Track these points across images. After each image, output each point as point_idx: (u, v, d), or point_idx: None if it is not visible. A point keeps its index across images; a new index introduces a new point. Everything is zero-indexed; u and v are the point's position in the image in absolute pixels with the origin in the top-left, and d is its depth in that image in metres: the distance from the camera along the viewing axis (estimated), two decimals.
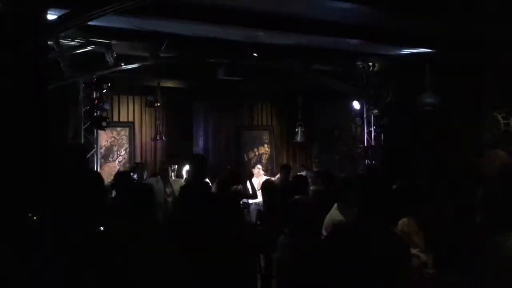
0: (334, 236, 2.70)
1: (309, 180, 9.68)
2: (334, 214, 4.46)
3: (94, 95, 8.60)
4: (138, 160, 10.67)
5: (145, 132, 11.08)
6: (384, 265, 2.43)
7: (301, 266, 3.16)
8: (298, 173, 9.39)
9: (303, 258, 3.18)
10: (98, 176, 3.50)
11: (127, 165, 10.59)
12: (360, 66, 9.08)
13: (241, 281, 5.06)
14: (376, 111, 10.07)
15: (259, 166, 10.57)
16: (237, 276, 3.79)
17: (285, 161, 11.73)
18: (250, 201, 7.88)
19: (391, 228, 3.24)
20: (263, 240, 5.21)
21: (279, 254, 3.73)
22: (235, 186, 6.38)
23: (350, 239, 2.57)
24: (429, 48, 7.69)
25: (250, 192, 7.04)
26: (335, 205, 4.54)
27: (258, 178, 9.86)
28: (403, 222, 4.03)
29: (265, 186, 6.60)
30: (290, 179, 7.69)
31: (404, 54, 8.33)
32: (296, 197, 3.86)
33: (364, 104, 10.38)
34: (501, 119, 7.59)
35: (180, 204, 5.37)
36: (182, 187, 5.61)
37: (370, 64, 9.08)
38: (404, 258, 2.51)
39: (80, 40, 7.04)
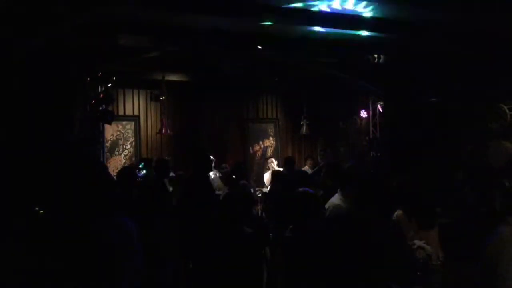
0: (333, 225, 2.74)
1: (311, 170, 9.71)
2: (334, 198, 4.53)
3: (100, 89, 8.62)
4: (143, 154, 10.72)
5: (151, 125, 11.11)
6: (380, 250, 2.47)
7: (307, 256, 3.17)
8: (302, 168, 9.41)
9: (308, 249, 3.19)
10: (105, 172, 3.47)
11: (133, 158, 10.64)
12: (366, 58, 9.03)
13: (247, 274, 5.07)
14: (381, 103, 10.04)
15: (273, 160, 10.42)
16: (243, 270, 3.80)
17: (290, 154, 11.73)
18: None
19: (387, 217, 3.26)
20: (268, 234, 5.23)
21: (285, 247, 3.73)
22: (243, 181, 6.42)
23: (348, 227, 2.61)
24: (438, 39, 7.61)
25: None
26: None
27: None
28: (395, 214, 4.04)
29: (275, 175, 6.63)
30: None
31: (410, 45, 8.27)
32: (300, 189, 3.82)
33: (370, 96, 10.36)
34: (507, 111, 7.56)
35: (184, 200, 5.41)
36: (184, 183, 5.65)
37: (376, 56, 9.03)
38: (398, 243, 2.55)
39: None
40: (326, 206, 4.47)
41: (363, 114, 10.65)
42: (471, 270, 2.85)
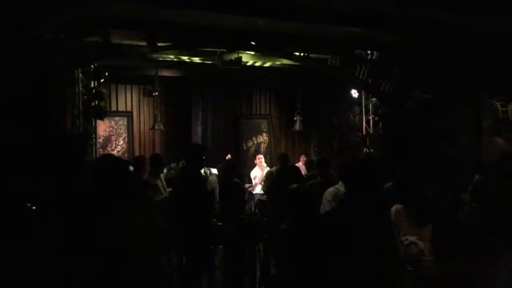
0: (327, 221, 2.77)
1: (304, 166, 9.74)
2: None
3: (92, 85, 8.56)
4: (136, 150, 10.69)
5: (144, 121, 11.08)
6: (371, 245, 2.50)
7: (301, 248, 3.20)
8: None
9: (302, 244, 3.21)
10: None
11: (126, 154, 10.59)
12: (359, 54, 9.04)
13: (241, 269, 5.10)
14: (374, 99, 10.05)
15: (260, 156, 10.27)
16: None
17: (284, 150, 11.73)
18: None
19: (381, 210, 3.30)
20: (262, 230, 5.25)
21: (279, 243, 3.74)
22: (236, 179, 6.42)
23: (339, 222, 2.64)
24: (431, 37, 7.63)
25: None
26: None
27: (261, 168, 9.78)
28: (393, 208, 4.07)
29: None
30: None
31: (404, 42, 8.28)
32: (294, 185, 3.82)
33: (363, 93, 10.37)
34: (499, 107, 7.59)
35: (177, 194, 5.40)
36: (181, 177, 5.64)
37: (369, 52, 9.04)
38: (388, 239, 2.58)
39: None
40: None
41: (357, 110, 10.65)
42: (466, 268, 2.85)
